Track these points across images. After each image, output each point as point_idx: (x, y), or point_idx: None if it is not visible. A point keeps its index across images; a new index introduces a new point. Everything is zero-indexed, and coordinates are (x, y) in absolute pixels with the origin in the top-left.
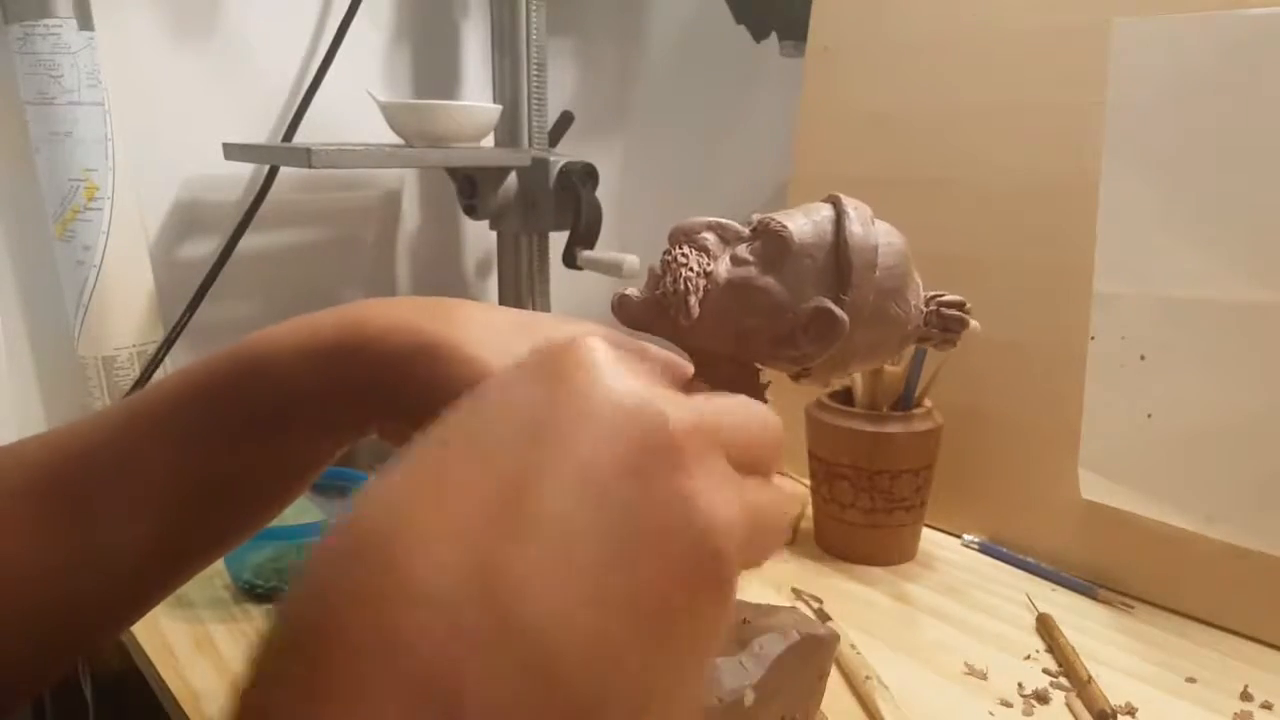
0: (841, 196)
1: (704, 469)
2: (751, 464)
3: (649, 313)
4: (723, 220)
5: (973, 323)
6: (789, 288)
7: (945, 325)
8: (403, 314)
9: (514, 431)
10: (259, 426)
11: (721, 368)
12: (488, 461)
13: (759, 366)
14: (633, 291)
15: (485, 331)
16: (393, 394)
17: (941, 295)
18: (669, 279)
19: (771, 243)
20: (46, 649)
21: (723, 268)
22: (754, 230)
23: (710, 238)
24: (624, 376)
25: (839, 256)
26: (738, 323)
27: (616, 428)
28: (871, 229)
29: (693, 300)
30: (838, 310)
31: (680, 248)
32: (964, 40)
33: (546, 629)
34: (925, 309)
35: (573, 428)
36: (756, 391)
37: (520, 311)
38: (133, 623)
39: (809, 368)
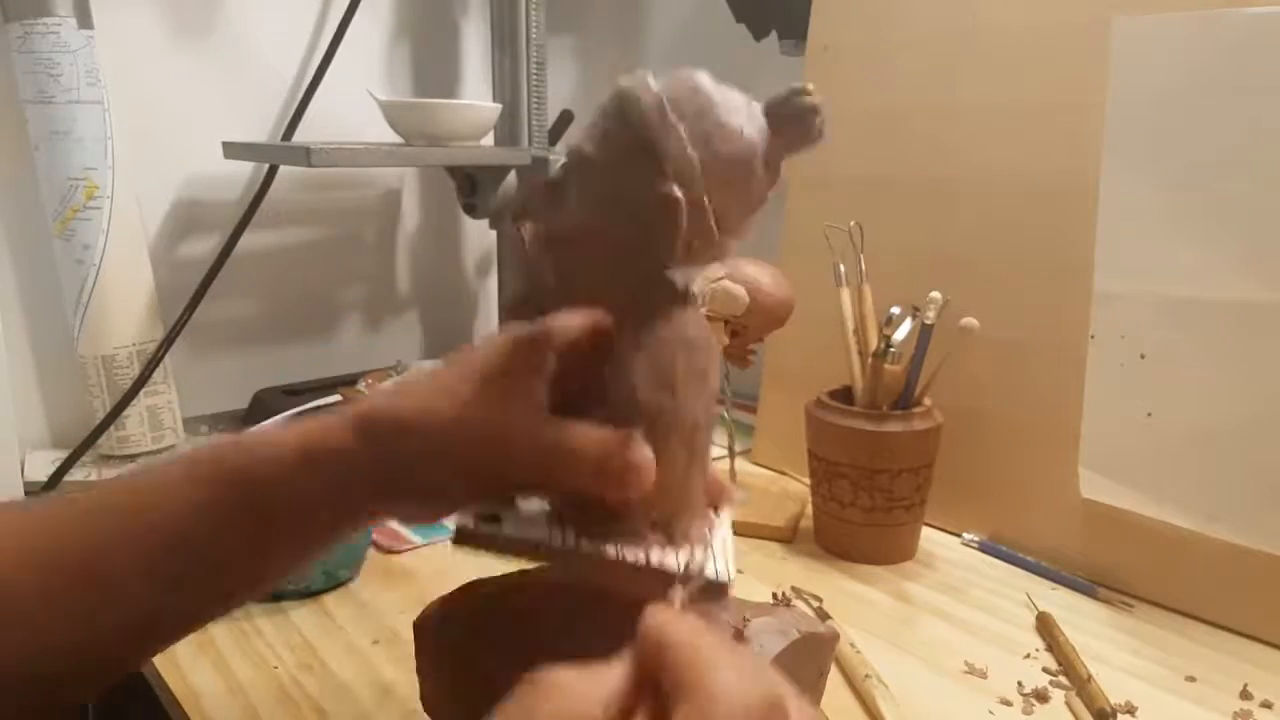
0: (618, 81)
1: None
2: None
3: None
4: (548, 178)
5: (972, 321)
6: (616, 199)
7: (793, 119)
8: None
9: None
10: (249, 544)
11: (628, 309)
12: None
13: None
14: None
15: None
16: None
17: (770, 100)
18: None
19: (578, 168)
20: None
21: (557, 223)
22: (566, 164)
23: (536, 200)
24: None
25: (637, 139)
26: (596, 259)
27: None
28: (650, 90)
29: (536, 261)
30: (667, 190)
31: (516, 229)
32: (964, 39)
33: None
34: (772, 123)
35: None
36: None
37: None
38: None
39: (706, 251)
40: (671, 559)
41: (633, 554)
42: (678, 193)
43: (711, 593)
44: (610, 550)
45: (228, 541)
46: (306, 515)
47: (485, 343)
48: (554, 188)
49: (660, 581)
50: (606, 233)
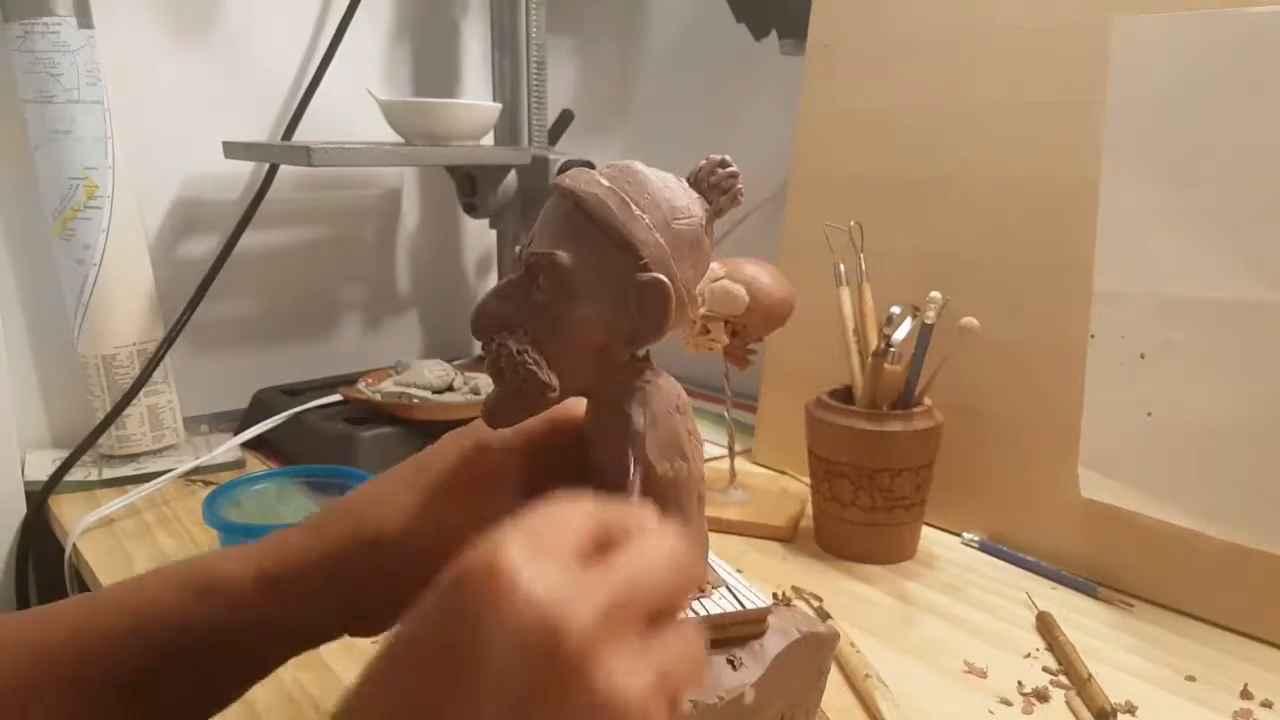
0: (560, 183)
1: (610, 657)
2: (662, 612)
3: (519, 409)
4: (498, 285)
5: (972, 321)
6: (599, 295)
7: (721, 190)
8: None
9: (433, 673)
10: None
11: (606, 387)
12: (417, 712)
13: (639, 357)
14: (490, 397)
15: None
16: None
17: (696, 174)
18: (509, 375)
19: (552, 274)
20: None
21: (536, 326)
22: (529, 270)
23: (505, 308)
24: (528, 587)
25: (609, 236)
26: (587, 354)
27: (523, 654)
28: (604, 187)
29: (542, 374)
30: (654, 276)
31: (491, 342)
32: (964, 38)
33: None
34: (702, 194)
35: (482, 662)
36: (641, 374)
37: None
38: None
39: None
40: (714, 605)
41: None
42: (663, 277)
43: (753, 623)
44: None
45: (198, 645)
46: (263, 629)
47: (434, 452)
48: (518, 291)
49: (712, 630)
50: (593, 326)
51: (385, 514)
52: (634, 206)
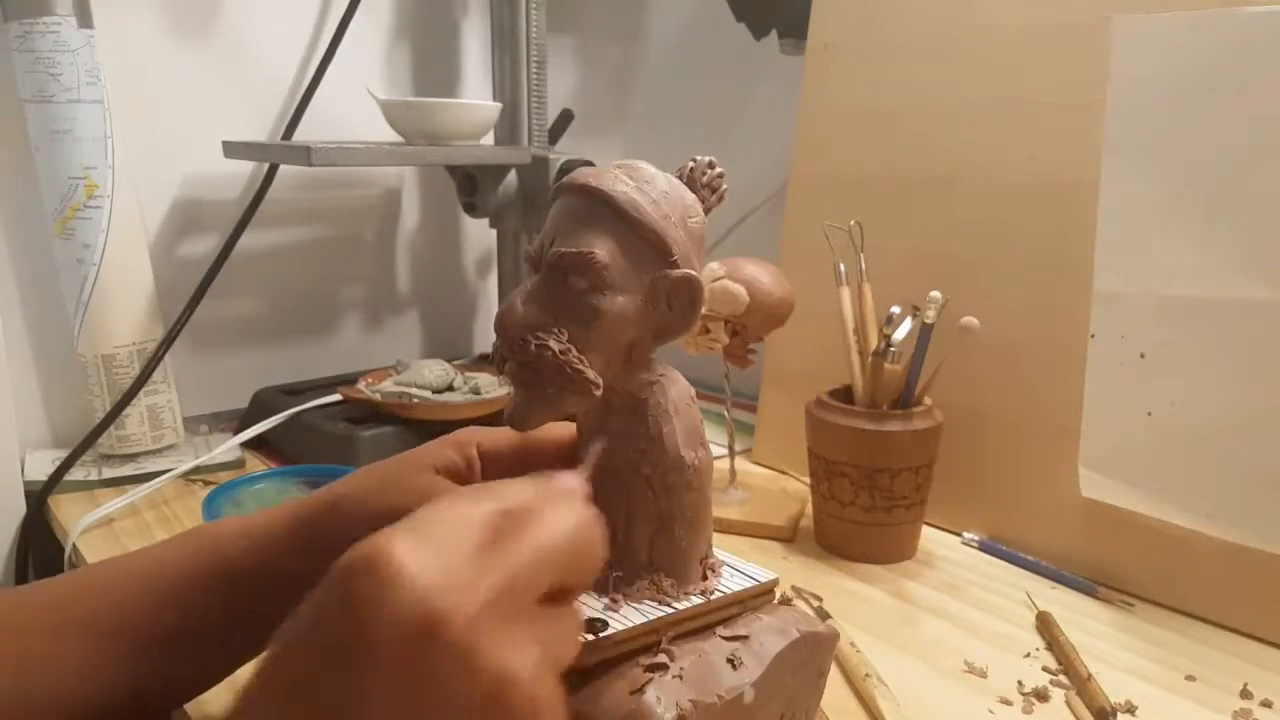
0: (586, 182)
1: (496, 641)
2: (562, 590)
3: (548, 410)
4: (522, 288)
5: (972, 321)
6: (631, 292)
7: (713, 189)
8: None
9: (324, 664)
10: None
11: (623, 382)
12: (309, 702)
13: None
14: (514, 401)
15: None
16: None
17: (686, 173)
18: (552, 375)
19: (588, 272)
20: None
21: (570, 324)
22: (556, 268)
23: (533, 309)
24: (409, 579)
25: (640, 234)
26: (619, 350)
27: (406, 646)
28: (631, 185)
29: (589, 373)
30: (686, 272)
31: (528, 344)
32: (964, 38)
33: None
34: (697, 193)
35: (367, 655)
36: (646, 366)
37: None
38: None
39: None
40: (729, 583)
41: (704, 595)
42: (694, 274)
43: (765, 594)
44: (696, 600)
45: (205, 601)
46: (259, 579)
47: (424, 447)
48: (545, 291)
49: (737, 606)
50: (627, 322)
51: (346, 482)
52: (660, 205)
